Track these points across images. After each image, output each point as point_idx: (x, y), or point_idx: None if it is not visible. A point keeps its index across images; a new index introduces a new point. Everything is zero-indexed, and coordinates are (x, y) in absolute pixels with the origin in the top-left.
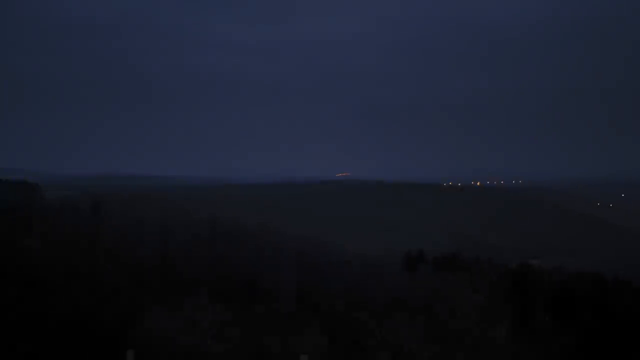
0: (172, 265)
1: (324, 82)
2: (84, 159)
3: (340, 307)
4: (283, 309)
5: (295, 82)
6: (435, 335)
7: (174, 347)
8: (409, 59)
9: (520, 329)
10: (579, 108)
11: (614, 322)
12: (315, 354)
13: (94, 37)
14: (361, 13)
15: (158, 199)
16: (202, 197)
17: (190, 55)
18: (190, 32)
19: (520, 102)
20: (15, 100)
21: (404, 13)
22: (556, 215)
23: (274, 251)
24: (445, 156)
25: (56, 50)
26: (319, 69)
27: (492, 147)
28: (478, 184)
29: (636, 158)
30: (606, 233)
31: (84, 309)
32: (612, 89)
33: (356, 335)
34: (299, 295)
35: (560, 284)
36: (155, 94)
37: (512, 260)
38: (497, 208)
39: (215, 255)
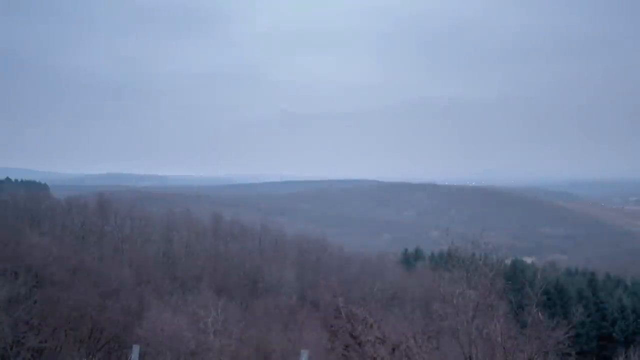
0: (176, 262)
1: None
2: (90, 159)
3: (340, 304)
4: (284, 305)
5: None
6: (432, 330)
7: (178, 342)
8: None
9: (515, 325)
10: (576, 108)
11: (605, 317)
12: (315, 349)
13: (95, 39)
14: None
15: (162, 199)
16: (205, 197)
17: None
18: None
19: (517, 102)
20: (21, 102)
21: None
22: (550, 214)
23: (276, 249)
24: (443, 156)
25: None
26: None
27: (489, 147)
28: (474, 183)
29: (632, 158)
30: (599, 231)
31: (91, 305)
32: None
33: (355, 331)
34: (300, 292)
35: (554, 280)
36: (160, 94)
37: (508, 258)
38: (493, 207)
39: (218, 253)
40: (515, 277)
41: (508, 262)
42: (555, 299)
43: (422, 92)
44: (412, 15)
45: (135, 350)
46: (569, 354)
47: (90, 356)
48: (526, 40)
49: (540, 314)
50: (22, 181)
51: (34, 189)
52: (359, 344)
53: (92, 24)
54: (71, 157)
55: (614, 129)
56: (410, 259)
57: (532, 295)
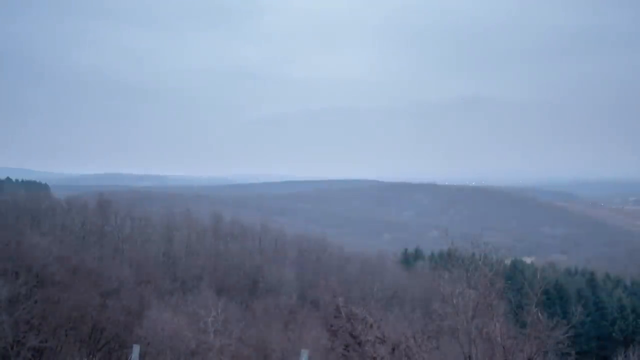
0: (176, 262)
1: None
2: (90, 159)
3: (340, 304)
4: (284, 305)
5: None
6: (432, 330)
7: (179, 342)
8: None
9: (515, 324)
10: (576, 109)
11: (605, 317)
12: (315, 349)
13: (96, 35)
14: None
15: (162, 199)
16: (205, 197)
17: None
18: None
19: (517, 103)
20: (21, 101)
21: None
22: (550, 214)
23: (276, 249)
24: (443, 156)
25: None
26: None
27: (489, 147)
28: (474, 183)
29: (632, 158)
30: (599, 231)
31: (91, 304)
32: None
33: (355, 331)
34: (300, 292)
35: (553, 280)
36: (161, 92)
37: (507, 258)
38: (493, 207)
39: (218, 253)
40: (515, 277)
41: (508, 262)
42: (555, 299)
43: (422, 92)
44: (397, 9)
45: (136, 349)
46: (569, 354)
47: (91, 356)
48: (529, 41)
49: (539, 313)
50: (22, 181)
51: (35, 189)
52: (359, 344)
53: (92, 20)
54: (71, 157)
55: (614, 129)
56: (410, 259)
57: (532, 295)
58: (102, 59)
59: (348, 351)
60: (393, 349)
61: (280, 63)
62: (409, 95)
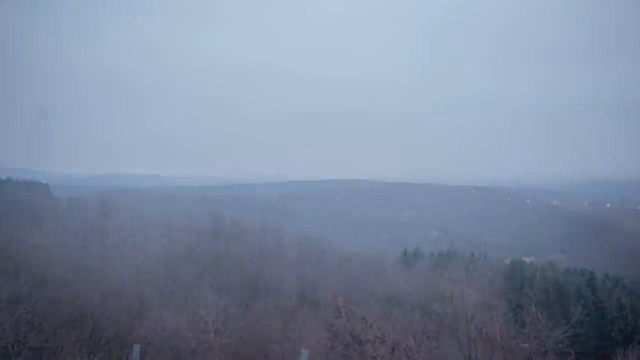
0: (176, 262)
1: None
2: (90, 159)
3: (340, 303)
4: (284, 305)
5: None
6: (431, 330)
7: (179, 341)
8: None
9: (514, 324)
10: (576, 108)
11: (604, 316)
12: (315, 349)
13: (97, 28)
14: None
15: (162, 199)
16: (205, 197)
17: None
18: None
19: (517, 101)
20: (23, 102)
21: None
22: (550, 214)
23: (276, 249)
24: (443, 156)
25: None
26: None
27: (489, 147)
28: (474, 183)
29: (632, 158)
30: (599, 231)
31: (92, 304)
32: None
33: (355, 330)
34: (300, 292)
35: (553, 280)
36: (161, 90)
37: (507, 258)
38: (493, 207)
39: (219, 253)
40: (515, 276)
41: (507, 261)
42: (554, 299)
43: (422, 92)
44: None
45: (136, 349)
46: (568, 353)
47: (91, 355)
48: (529, 42)
49: (539, 313)
50: (22, 181)
51: (35, 189)
52: (359, 343)
53: (94, 14)
54: (72, 156)
55: (615, 129)
56: (410, 259)
57: (531, 294)
58: (104, 57)
59: (348, 351)
60: (393, 349)
61: (285, 61)
62: (409, 95)
